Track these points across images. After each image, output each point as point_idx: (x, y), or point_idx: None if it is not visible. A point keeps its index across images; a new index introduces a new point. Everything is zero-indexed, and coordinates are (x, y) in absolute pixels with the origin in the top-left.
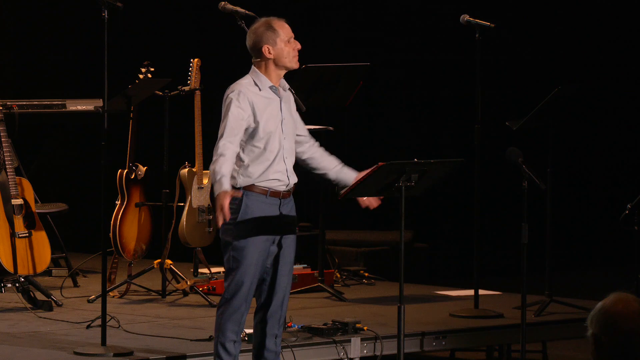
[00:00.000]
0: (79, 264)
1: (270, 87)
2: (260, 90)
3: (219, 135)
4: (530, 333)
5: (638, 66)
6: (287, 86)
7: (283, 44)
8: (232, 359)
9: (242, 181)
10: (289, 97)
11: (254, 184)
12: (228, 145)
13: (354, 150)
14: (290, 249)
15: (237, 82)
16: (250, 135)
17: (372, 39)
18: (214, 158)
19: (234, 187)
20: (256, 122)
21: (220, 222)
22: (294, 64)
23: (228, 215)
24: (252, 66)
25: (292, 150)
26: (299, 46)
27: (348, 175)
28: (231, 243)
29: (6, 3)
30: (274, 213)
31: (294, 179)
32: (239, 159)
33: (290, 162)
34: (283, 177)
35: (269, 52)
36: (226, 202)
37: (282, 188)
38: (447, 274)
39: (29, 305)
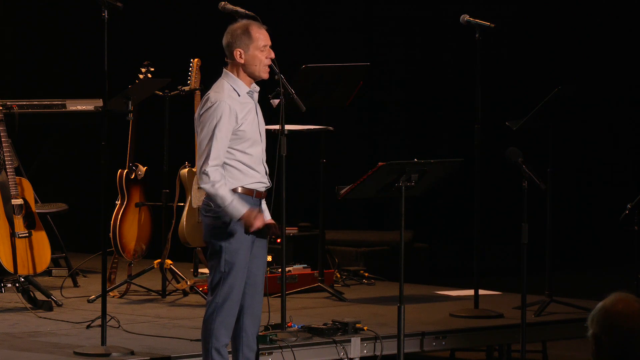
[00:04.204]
0: (79, 264)
1: (248, 92)
2: (239, 95)
3: (204, 154)
4: (530, 333)
5: (638, 66)
6: (258, 88)
7: (257, 52)
8: None
9: (230, 184)
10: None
11: (242, 186)
12: (218, 170)
13: (354, 150)
14: (264, 251)
15: (217, 90)
16: (236, 141)
17: (372, 39)
18: (205, 182)
19: None
20: (241, 129)
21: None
22: (263, 73)
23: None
24: (225, 69)
25: (265, 152)
26: (272, 55)
27: None
28: (223, 247)
29: (6, 3)
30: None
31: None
32: (226, 163)
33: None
34: (264, 179)
35: (240, 57)
36: (259, 219)
37: (263, 189)
38: (447, 274)
39: (29, 305)
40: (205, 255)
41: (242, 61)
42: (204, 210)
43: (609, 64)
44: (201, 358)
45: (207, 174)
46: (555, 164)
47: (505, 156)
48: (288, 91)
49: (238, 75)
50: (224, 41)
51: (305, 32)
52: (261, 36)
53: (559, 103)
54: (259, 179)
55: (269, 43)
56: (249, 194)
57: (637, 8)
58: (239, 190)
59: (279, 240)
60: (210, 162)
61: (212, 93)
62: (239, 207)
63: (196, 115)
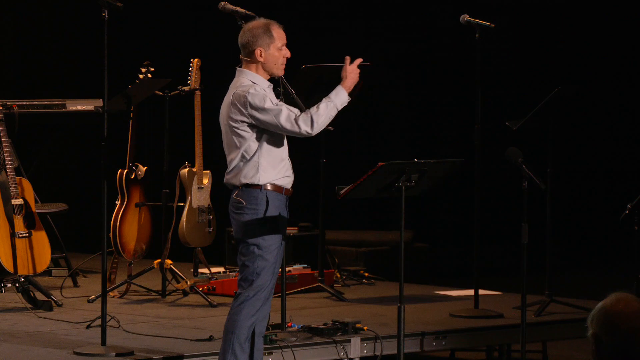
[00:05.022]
0: (79, 264)
1: (268, 86)
2: (264, 90)
3: (283, 126)
4: (530, 333)
5: (638, 66)
6: (272, 85)
7: (275, 51)
8: (247, 357)
9: (264, 178)
10: None
11: (274, 183)
12: (296, 118)
13: (354, 150)
14: (282, 251)
15: (237, 86)
16: (270, 133)
17: (372, 38)
18: (307, 130)
19: (254, 185)
20: None
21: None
22: (280, 71)
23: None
24: (242, 68)
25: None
26: (288, 54)
27: None
28: (258, 244)
29: (6, 3)
30: (283, 212)
31: None
32: (260, 156)
33: None
34: (290, 174)
35: (260, 55)
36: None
37: (290, 185)
38: (447, 274)
39: (29, 305)
40: (205, 255)
41: (262, 59)
42: (235, 208)
43: (609, 64)
44: (201, 358)
45: (303, 131)
46: (555, 164)
47: (505, 156)
48: (288, 91)
49: (256, 72)
50: (243, 39)
51: (305, 32)
52: (280, 36)
53: (559, 103)
54: (285, 173)
55: (286, 42)
56: (278, 191)
57: (637, 8)
58: (269, 187)
59: None
60: (292, 125)
61: (232, 90)
62: (337, 98)
63: (228, 112)
